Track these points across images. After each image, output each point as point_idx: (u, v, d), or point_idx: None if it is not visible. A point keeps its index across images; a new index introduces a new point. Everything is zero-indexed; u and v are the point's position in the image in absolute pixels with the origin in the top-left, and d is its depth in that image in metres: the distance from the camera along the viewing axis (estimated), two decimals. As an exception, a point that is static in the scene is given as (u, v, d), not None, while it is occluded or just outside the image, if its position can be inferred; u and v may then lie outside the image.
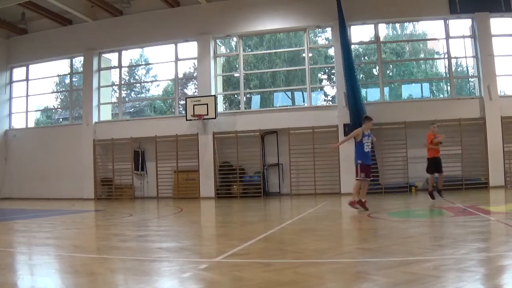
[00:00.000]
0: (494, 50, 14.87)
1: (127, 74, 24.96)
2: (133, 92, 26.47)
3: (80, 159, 17.79)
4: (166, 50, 18.42)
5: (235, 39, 18.37)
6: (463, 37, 16.25)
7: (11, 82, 20.15)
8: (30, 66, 19.98)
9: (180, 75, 20.07)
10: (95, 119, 18.07)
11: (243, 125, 16.42)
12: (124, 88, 21.97)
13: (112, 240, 6.31)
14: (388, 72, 22.15)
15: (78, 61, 19.93)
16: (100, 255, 4.98)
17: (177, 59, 17.93)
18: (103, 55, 18.75)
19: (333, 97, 20.65)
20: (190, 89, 24.42)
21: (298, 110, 17.25)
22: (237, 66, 18.63)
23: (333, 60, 16.72)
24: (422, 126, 14.95)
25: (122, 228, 7.97)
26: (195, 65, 20.01)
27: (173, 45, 17.80)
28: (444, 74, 19.89)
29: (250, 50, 21.97)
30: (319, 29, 18.70)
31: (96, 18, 18.25)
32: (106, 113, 18.83)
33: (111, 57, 19.19)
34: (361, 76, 19.42)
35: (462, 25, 16.20)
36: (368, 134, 8.86)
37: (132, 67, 24.52)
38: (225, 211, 11.59)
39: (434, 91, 21.39)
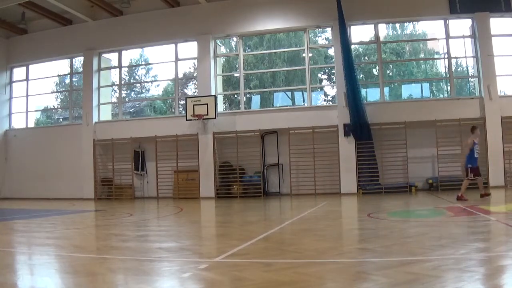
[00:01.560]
0: (494, 50, 14.85)
1: (127, 74, 24.97)
2: (133, 92, 26.48)
3: (80, 159, 17.79)
4: (166, 50, 18.43)
5: (235, 39, 18.38)
6: (463, 37, 16.24)
7: (11, 82, 20.15)
8: (30, 66, 19.98)
9: (180, 75, 20.07)
10: (95, 119, 18.07)
11: (243, 125, 16.42)
12: (124, 88, 21.98)
13: (112, 240, 6.31)
14: (388, 72, 22.15)
15: (78, 61, 19.92)
16: (100, 255, 4.98)
17: (177, 59, 17.93)
18: (103, 55, 18.75)
19: (333, 97, 20.66)
20: (190, 89, 24.42)
21: (298, 110, 17.25)
22: (237, 66, 18.63)
23: (333, 60, 16.72)
24: (422, 126, 15.01)
25: (122, 228, 7.97)
26: (195, 65, 20.01)
27: (173, 45, 17.80)
28: (444, 74, 19.90)
29: (250, 50, 21.97)
30: (319, 29, 18.71)
31: (96, 18, 18.24)
32: (106, 113, 18.82)
33: (111, 57, 19.18)
34: (361, 76, 19.42)
35: (462, 25, 16.21)
36: (477, 142, 10.48)
37: (132, 67, 24.53)
38: (225, 211, 11.59)
39: (434, 91, 21.39)
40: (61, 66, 20.69)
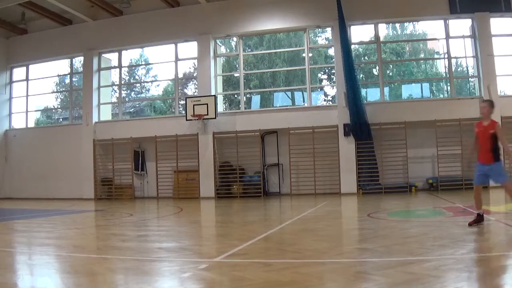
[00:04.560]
0: (494, 50, 14.85)
1: (127, 74, 24.95)
2: (133, 92, 26.47)
3: (80, 159, 17.78)
4: (166, 50, 18.42)
5: (235, 39, 18.36)
6: (463, 37, 16.24)
7: (11, 82, 20.15)
8: (30, 66, 19.97)
9: (180, 75, 20.05)
10: (95, 119, 18.06)
11: (243, 125, 16.41)
12: (124, 88, 21.96)
13: (112, 240, 6.31)
14: (388, 72, 22.14)
15: (78, 61, 19.92)
16: (100, 255, 4.98)
17: (177, 59, 17.92)
18: (103, 55, 18.74)
19: (333, 97, 20.64)
20: (190, 89, 24.42)
21: (298, 110, 17.24)
22: (237, 66, 18.62)
23: (333, 60, 16.72)
24: (422, 126, 15.01)
25: (122, 228, 7.98)
26: (195, 65, 20.00)
27: (173, 45, 17.80)
28: (444, 74, 19.89)
29: (250, 50, 21.96)
30: (319, 29, 18.71)
31: (96, 18, 18.24)
32: (106, 113, 18.82)
33: (111, 57, 19.18)
34: (361, 76, 19.40)
35: (462, 25, 16.21)
36: None
37: (132, 67, 24.51)
38: (225, 211, 11.59)
39: (434, 91, 21.38)
40: (61, 66, 20.69)
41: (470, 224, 6.06)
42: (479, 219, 6.09)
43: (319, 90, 21.85)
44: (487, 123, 6.31)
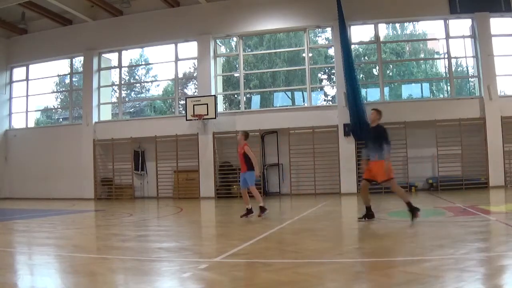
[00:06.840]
0: (494, 50, 14.85)
1: (127, 74, 24.97)
2: (133, 92, 26.49)
3: (80, 159, 17.78)
4: (166, 50, 18.43)
5: (235, 39, 18.37)
6: (463, 37, 16.24)
7: (11, 82, 20.14)
8: (30, 66, 19.97)
9: (180, 75, 20.05)
10: (95, 119, 18.06)
11: (243, 125, 16.36)
12: (124, 88, 21.97)
13: (112, 240, 6.31)
14: (388, 72, 22.15)
15: (78, 61, 19.92)
16: (100, 255, 4.98)
17: (177, 59, 17.92)
18: (103, 55, 18.74)
19: (333, 97, 20.65)
20: (190, 89, 24.43)
21: (298, 110, 17.24)
22: (237, 66, 18.62)
23: (333, 60, 16.71)
24: (422, 126, 15.01)
25: (122, 228, 7.98)
26: (195, 65, 20.01)
27: (173, 45, 17.80)
28: (444, 74, 19.90)
29: (250, 50, 21.97)
30: (319, 29, 18.71)
31: (96, 18, 18.24)
32: (106, 113, 18.82)
33: (111, 57, 19.18)
34: (361, 76, 19.40)
35: (462, 25, 16.21)
36: None
37: (132, 67, 24.52)
38: (225, 211, 11.59)
39: (434, 91, 21.39)
40: (61, 66, 20.70)
41: (241, 216, 8.43)
42: (248, 213, 8.46)
43: (319, 90, 21.86)
44: (241, 145, 8.64)
